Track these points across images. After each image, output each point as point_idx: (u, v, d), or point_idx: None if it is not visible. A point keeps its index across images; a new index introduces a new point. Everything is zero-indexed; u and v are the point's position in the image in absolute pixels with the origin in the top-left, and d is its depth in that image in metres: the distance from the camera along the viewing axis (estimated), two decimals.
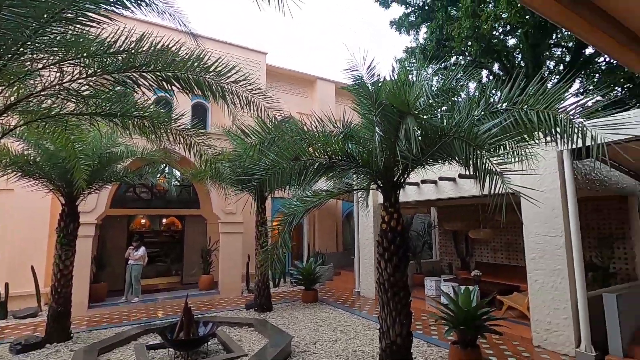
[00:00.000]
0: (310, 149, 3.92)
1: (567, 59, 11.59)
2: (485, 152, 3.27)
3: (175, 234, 12.37)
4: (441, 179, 7.77)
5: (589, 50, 11.49)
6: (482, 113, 3.62)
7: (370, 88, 3.59)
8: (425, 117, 3.55)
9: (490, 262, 10.15)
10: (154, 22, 5.40)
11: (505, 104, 3.57)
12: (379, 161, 3.41)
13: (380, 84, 3.63)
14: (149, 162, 7.20)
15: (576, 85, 12.08)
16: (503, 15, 7.82)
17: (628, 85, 11.47)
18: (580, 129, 3.27)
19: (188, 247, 11.95)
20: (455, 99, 3.97)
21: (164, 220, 13.74)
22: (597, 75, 12.42)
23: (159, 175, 8.49)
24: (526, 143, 3.91)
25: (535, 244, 6.10)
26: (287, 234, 4.96)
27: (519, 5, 7.67)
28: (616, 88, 10.93)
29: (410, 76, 4.83)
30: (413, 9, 12.53)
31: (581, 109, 3.25)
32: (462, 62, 11.67)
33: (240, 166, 7.20)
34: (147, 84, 3.81)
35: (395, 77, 4.12)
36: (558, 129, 3.44)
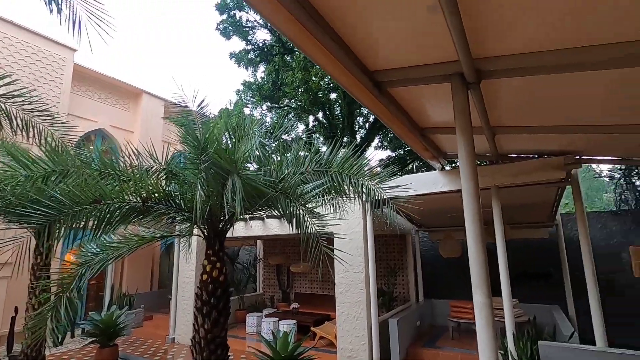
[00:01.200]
0: (118, 188, 3.25)
1: (371, 118, 14.40)
2: (304, 207, 3.50)
3: None
4: (268, 217, 7.99)
5: None
6: (306, 171, 3.93)
7: (198, 134, 3.32)
8: (254, 172, 3.55)
9: (308, 293, 10.96)
10: None
11: (325, 167, 3.99)
12: (203, 210, 3.13)
13: (210, 131, 3.40)
14: None
15: (376, 140, 15.00)
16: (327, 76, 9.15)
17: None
18: (375, 190, 4.01)
19: None
20: (286, 155, 4.19)
21: None
22: (391, 134, 15.82)
23: None
24: (339, 197, 4.48)
25: (343, 279, 6.94)
26: (76, 290, 3.93)
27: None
28: (401, 150, 14.16)
29: (246, 110, 4.86)
30: (253, 47, 13.03)
31: (378, 178, 3.97)
32: (293, 105, 12.77)
33: (15, 193, 5.37)
34: None
35: (231, 109, 4.06)
36: (363, 189, 4.08)
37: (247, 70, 13.02)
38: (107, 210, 3.06)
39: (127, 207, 3.20)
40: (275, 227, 8.20)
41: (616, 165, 9.90)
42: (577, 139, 4.48)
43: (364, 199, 6.45)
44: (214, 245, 4.07)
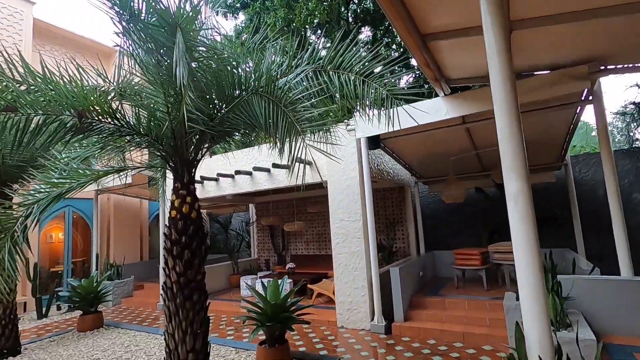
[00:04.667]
0: (42, 98, 2.53)
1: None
2: (291, 114, 2.81)
3: None
4: (255, 169, 7.34)
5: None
6: (300, 72, 3.21)
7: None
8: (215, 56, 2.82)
9: (304, 254, 10.52)
10: None
11: (330, 65, 3.25)
12: (160, 128, 2.48)
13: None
14: None
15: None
16: (316, 12, 8.22)
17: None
18: (381, 92, 3.34)
19: None
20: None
21: None
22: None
23: None
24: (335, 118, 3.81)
25: (339, 229, 6.39)
26: (22, 235, 3.31)
27: (325, 3, 8.27)
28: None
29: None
30: None
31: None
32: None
33: None
34: None
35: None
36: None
37: (226, 19, 11.85)
38: (25, 124, 2.37)
39: (56, 120, 2.51)
40: (264, 181, 7.57)
41: (622, 106, 9.33)
42: (600, 42, 3.82)
43: (361, 129, 5.83)
44: (182, 177, 3.42)
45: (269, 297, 4.30)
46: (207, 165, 8.23)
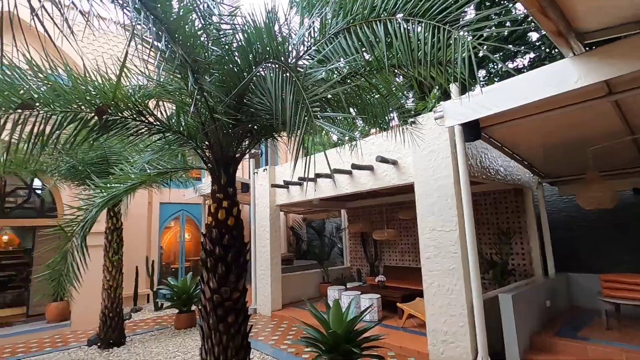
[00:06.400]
0: (57, 93, 2.37)
1: None
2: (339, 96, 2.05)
3: (18, 254, 9.63)
4: (335, 171, 6.74)
5: None
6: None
7: None
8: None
9: (398, 266, 9.42)
10: None
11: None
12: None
13: None
14: None
15: None
16: None
17: None
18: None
19: (40, 269, 9.32)
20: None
21: (5, 237, 10.82)
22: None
23: None
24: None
25: (429, 240, 5.26)
26: (82, 239, 3.36)
27: None
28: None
29: None
30: None
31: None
32: None
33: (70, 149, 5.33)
34: None
35: None
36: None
37: None
38: (41, 121, 2.24)
39: (74, 117, 2.34)
40: (346, 184, 6.90)
41: None
42: None
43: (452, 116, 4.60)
44: (219, 178, 3.01)
45: (331, 322, 3.58)
46: (290, 169, 8.01)
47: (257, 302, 8.68)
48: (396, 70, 2.80)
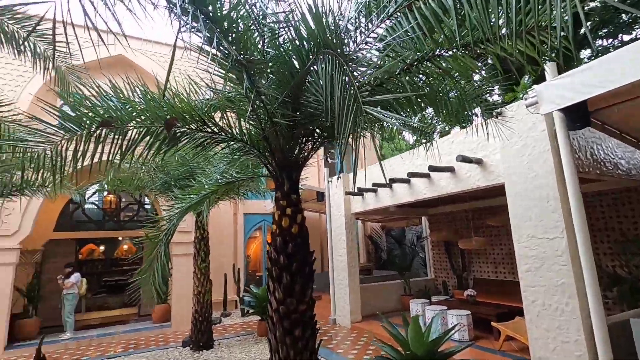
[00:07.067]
0: (131, 109, 2.54)
1: None
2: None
3: (133, 261, 11.07)
4: (410, 174, 6.27)
5: None
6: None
7: None
8: None
9: (491, 279, 8.36)
10: None
11: None
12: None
13: None
14: None
15: None
16: None
17: None
18: None
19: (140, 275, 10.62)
20: None
21: (125, 246, 12.55)
22: None
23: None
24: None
25: (527, 249, 4.47)
26: (165, 245, 3.59)
27: None
28: None
29: None
30: None
31: None
32: None
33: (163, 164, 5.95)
34: None
35: None
36: None
37: None
38: (117, 137, 2.42)
39: (145, 131, 2.49)
40: (423, 188, 6.37)
41: None
42: None
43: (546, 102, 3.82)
44: (282, 185, 2.93)
45: (410, 342, 3.20)
46: (368, 175, 7.75)
47: (336, 313, 8.51)
48: (473, 51, 2.38)
